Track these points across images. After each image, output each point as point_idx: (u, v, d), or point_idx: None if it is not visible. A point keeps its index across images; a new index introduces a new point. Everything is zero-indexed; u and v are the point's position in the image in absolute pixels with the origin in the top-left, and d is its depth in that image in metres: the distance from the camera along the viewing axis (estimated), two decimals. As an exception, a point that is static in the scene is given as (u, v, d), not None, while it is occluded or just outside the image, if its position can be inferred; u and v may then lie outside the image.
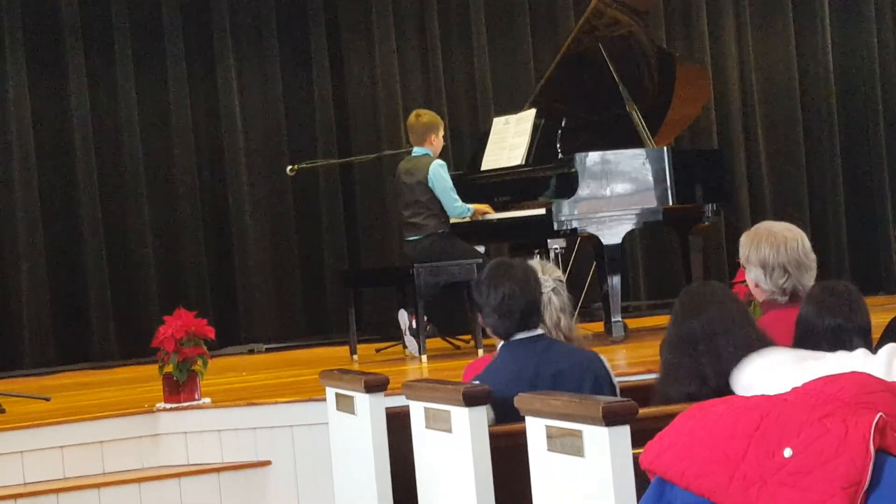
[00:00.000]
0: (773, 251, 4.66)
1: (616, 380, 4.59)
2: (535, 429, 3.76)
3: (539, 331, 4.56)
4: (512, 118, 9.25)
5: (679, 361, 3.95)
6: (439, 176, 8.61)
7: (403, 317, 8.62)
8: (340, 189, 11.47)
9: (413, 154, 8.83)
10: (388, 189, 10.95)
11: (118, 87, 10.90)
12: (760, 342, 3.90)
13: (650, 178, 8.68)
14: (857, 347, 4.17)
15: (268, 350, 10.81)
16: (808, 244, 4.73)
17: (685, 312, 4.01)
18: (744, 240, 4.79)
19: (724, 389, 3.76)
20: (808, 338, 4.17)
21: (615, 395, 4.48)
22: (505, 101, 11.26)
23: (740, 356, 3.80)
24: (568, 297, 4.88)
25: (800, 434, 2.91)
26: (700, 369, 3.90)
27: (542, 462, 3.74)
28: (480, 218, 8.81)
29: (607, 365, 4.58)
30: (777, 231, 4.74)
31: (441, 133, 8.85)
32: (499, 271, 4.59)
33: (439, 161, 8.69)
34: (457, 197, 8.64)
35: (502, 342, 4.58)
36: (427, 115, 8.92)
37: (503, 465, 4.12)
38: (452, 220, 8.74)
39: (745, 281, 4.91)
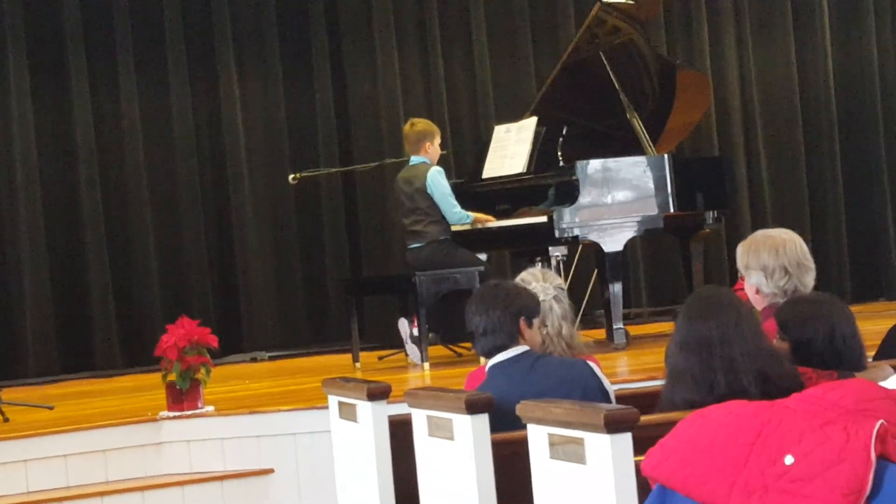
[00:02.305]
0: (773, 254, 4.68)
1: (608, 384, 4.54)
2: (538, 436, 3.76)
3: (523, 348, 4.56)
4: (513, 126, 9.26)
5: (689, 365, 3.90)
6: (437, 182, 8.61)
7: (404, 325, 8.63)
8: (342, 197, 11.49)
9: (411, 163, 8.83)
10: (389, 197, 10.95)
11: (120, 96, 10.92)
12: (772, 355, 3.91)
13: (651, 185, 8.69)
14: (849, 351, 4.19)
15: (270, 358, 10.82)
16: (805, 246, 4.76)
17: (697, 315, 3.97)
18: (741, 248, 4.81)
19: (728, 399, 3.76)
20: (803, 349, 4.19)
21: (608, 400, 4.47)
22: (506, 109, 11.27)
23: (752, 366, 3.81)
24: (569, 304, 4.88)
25: (801, 441, 2.92)
26: (710, 375, 3.86)
27: (544, 470, 3.75)
28: (481, 226, 8.81)
29: (597, 370, 4.54)
30: (774, 235, 4.78)
31: (437, 141, 8.83)
32: (483, 295, 4.61)
33: (437, 168, 8.70)
34: (455, 203, 8.64)
35: (489, 364, 4.57)
36: (421, 124, 8.90)
37: (505, 472, 4.12)
38: (454, 228, 8.75)
39: (743, 289, 4.93)
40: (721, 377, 3.83)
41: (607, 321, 8.68)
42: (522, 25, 11.93)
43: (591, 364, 4.58)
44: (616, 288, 8.54)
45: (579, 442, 3.53)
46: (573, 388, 4.38)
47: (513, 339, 4.55)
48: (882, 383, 3.48)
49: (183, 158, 11.06)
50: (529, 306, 4.61)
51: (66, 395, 8.83)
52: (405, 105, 11.49)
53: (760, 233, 4.86)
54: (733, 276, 9.68)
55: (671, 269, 11.50)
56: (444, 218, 8.64)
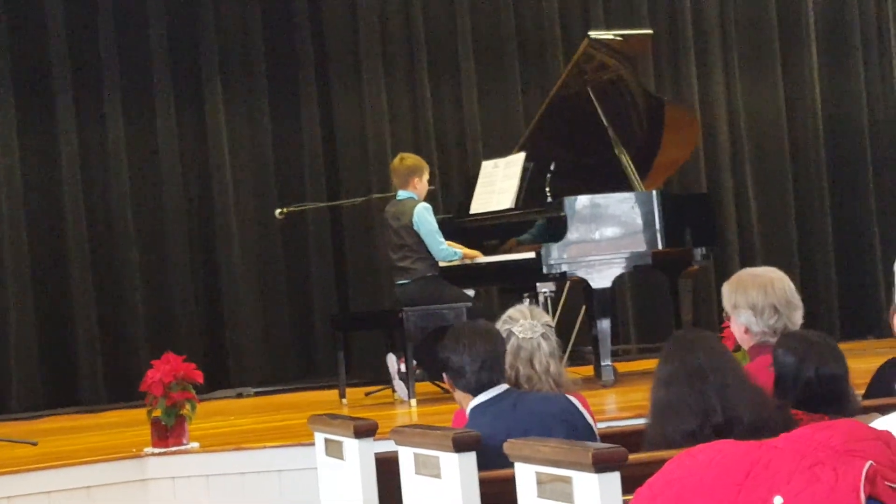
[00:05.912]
0: (762, 292, 4.68)
1: (589, 417, 4.55)
2: (525, 475, 3.74)
3: (503, 387, 4.54)
4: (501, 161, 9.25)
5: (682, 396, 3.91)
6: (424, 219, 8.60)
7: (392, 361, 8.60)
8: (329, 232, 11.46)
9: (398, 198, 8.82)
10: (377, 232, 10.94)
11: (107, 130, 10.89)
12: (758, 389, 3.93)
13: (639, 221, 8.68)
14: (838, 394, 4.19)
15: (256, 394, 10.77)
16: (791, 284, 4.76)
17: (683, 348, 4.00)
18: (727, 288, 4.80)
19: (724, 427, 3.76)
20: (789, 386, 4.18)
21: (592, 433, 4.47)
22: (494, 144, 11.27)
23: (745, 395, 3.83)
24: (557, 341, 4.86)
25: (790, 482, 2.90)
26: (706, 402, 3.87)
27: (532, 509, 3.73)
28: (470, 262, 8.80)
29: (577, 403, 4.54)
30: (760, 273, 4.78)
31: (425, 176, 8.83)
32: (458, 334, 4.59)
33: (424, 204, 8.69)
34: (442, 240, 8.63)
35: (471, 406, 4.55)
36: (410, 159, 8.91)
37: (492, 511, 4.10)
38: (442, 264, 8.73)
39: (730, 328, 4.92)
40: (717, 403, 3.85)
41: (595, 358, 8.65)
42: (511, 60, 11.94)
43: (572, 397, 4.57)
44: (604, 324, 8.52)
45: (567, 480, 3.51)
46: (554, 425, 4.38)
47: (501, 378, 4.55)
48: (872, 423, 3.46)
49: (169, 193, 11.03)
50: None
51: (51, 431, 8.78)
52: (392, 139, 11.49)
53: (746, 272, 4.85)
54: (721, 313, 9.66)
55: (660, 305, 11.45)
56: (431, 254, 8.63)
